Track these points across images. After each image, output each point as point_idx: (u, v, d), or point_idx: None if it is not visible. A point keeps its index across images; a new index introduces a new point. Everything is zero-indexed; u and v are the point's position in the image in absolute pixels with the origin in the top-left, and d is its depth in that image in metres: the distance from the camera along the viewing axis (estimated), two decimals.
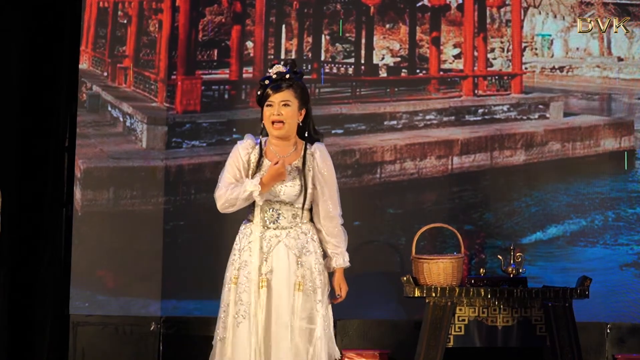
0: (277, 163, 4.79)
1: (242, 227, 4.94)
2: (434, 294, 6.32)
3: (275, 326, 4.76)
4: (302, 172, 4.88)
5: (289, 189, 4.85)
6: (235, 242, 4.94)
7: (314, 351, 4.79)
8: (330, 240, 4.92)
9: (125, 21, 7.59)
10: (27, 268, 7.09)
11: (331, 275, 4.97)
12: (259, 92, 4.92)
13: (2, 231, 5.07)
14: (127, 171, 7.41)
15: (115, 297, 7.32)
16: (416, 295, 6.35)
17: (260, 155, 4.91)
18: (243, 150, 4.92)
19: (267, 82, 4.89)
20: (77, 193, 7.35)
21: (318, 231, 4.93)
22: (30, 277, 7.10)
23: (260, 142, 4.95)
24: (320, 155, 4.92)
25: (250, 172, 4.90)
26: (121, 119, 7.52)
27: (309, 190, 4.88)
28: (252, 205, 4.90)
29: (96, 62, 7.57)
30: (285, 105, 4.87)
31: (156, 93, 7.52)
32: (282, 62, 4.99)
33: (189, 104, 7.48)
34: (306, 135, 4.97)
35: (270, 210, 4.88)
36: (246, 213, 4.98)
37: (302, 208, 4.89)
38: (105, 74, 7.57)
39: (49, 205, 7.21)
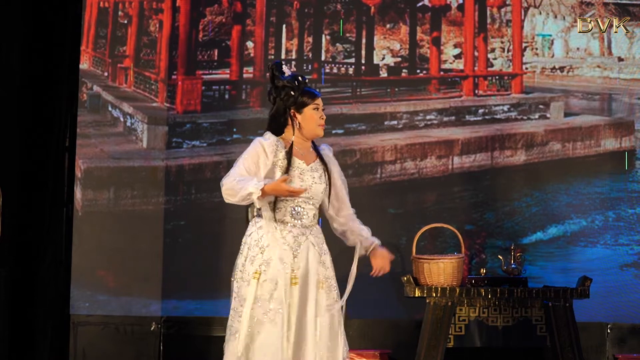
0: (285, 180, 4.75)
1: (262, 223, 4.85)
2: (434, 294, 6.32)
3: (305, 323, 4.78)
4: (325, 169, 4.91)
5: (317, 185, 4.87)
6: (251, 238, 4.86)
7: (335, 346, 4.81)
8: (356, 226, 4.97)
9: (125, 21, 7.59)
10: (27, 268, 7.09)
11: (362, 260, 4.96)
12: (293, 93, 4.89)
13: (2, 231, 5.06)
14: (128, 171, 7.41)
15: (115, 297, 7.32)
16: (417, 295, 6.35)
17: (290, 155, 4.88)
18: (269, 148, 4.84)
19: (301, 84, 4.91)
20: (78, 193, 7.35)
21: (336, 228, 4.99)
22: (30, 277, 7.10)
23: (279, 141, 4.93)
24: (331, 155, 5.01)
25: (279, 169, 4.83)
26: (122, 119, 7.52)
27: (332, 188, 4.94)
28: (276, 202, 4.85)
29: (97, 62, 7.57)
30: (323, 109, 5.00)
31: (157, 93, 7.52)
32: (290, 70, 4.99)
33: (189, 104, 7.48)
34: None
35: (297, 207, 4.87)
36: (266, 210, 4.89)
37: (319, 207, 4.92)
38: (106, 74, 7.57)
39: (49, 205, 7.21)
